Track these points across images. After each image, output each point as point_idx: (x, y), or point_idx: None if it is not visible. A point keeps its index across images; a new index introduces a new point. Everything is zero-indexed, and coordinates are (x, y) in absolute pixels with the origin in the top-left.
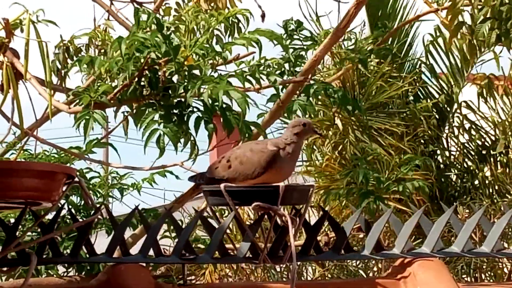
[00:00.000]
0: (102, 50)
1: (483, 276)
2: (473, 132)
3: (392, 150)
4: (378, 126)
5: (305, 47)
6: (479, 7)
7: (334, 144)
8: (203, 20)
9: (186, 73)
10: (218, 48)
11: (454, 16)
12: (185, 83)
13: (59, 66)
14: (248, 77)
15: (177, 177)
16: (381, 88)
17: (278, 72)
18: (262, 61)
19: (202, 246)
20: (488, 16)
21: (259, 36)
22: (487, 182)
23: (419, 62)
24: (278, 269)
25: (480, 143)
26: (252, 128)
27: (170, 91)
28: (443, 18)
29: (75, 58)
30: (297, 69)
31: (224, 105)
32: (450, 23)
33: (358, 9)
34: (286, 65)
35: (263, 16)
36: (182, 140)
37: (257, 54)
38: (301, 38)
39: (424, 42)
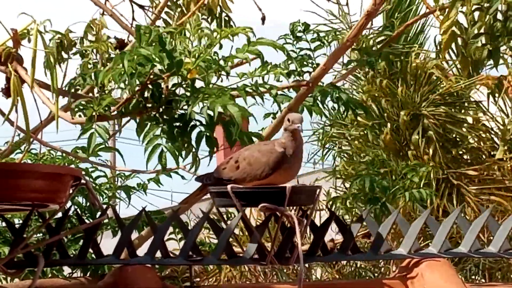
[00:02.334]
0: (96, 44)
1: (492, 277)
2: (482, 134)
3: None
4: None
5: (312, 48)
6: (472, 21)
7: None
8: (206, 35)
9: (189, 86)
10: (221, 62)
11: (447, 28)
12: (188, 97)
13: (52, 60)
14: (250, 90)
15: (182, 177)
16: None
17: (286, 71)
18: (264, 72)
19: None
20: (481, 31)
21: (261, 46)
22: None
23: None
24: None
25: (489, 144)
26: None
27: (173, 104)
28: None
29: (70, 52)
30: (304, 69)
31: (226, 118)
32: (444, 34)
33: (368, 20)
34: (292, 66)
35: (263, 19)
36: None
37: (260, 63)
38: (309, 40)
39: (436, 41)
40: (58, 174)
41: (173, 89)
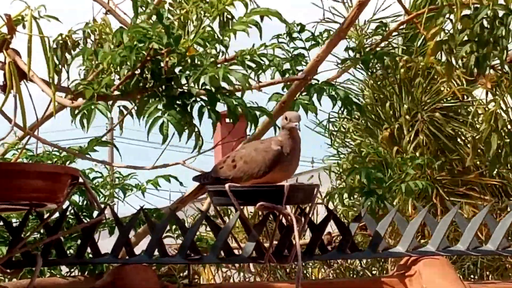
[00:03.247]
0: (99, 45)
1: (490, 276)
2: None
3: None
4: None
5: (307, 47)
6: (459, 27)
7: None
8: (204, 8)
9: (188, 63)
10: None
11: (433, 35)
12: (187, 73)
13: (57, 62)
14: (249, 62)
15: (181, 183)
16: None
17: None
18: (262, 48)
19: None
20: (468, 38)
21: (256, 16)
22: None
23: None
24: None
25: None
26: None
27: (173, 82)
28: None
29: (73, 53)
30: (299, 67)
31: (227, 93)
32: (429, 40)
33: (360, 10)
34: (287, 65)
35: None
36: (186, 133)
37: (258, 37)
38: (304, 39)
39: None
40: (56, 174)
41: (172, 68)
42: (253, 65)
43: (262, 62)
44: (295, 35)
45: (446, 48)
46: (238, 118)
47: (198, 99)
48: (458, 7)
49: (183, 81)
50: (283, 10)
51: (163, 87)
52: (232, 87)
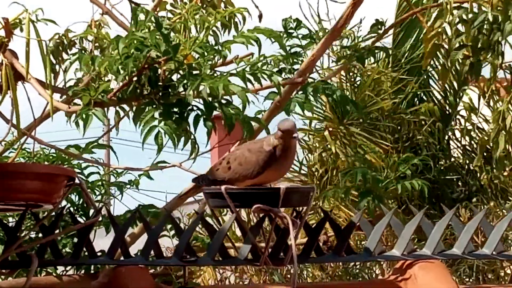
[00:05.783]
0: (96, 44)
1: (486, 279)
2: (473, 135)
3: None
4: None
5: (303, 45)
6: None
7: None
8: (202, 18)
9: (186, 71)
10: (217, 46)
11: (431, 38)
12: (185, 81)
13: (54, 61)
14: (249, 76)
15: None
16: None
17: (276, 70)
18: (261, 58)
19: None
20: (465, 43)
21: (258, 34)
22: (492, 185)
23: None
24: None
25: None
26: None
27: (170, 90)
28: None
29: (69, 52)
30: (295, 67)
31: (224, 101)
32: (426, 43)
33: (354, 9)
34: (284, 64)
35: (260, 16)
36: (182, 140)
37: (256, 53)
38: (300, 37)
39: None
40: (52, 175)
41: (170, 75)
42: (252, 78)
43: (261, 77)
44: (291, 31)
45: (444, 52)
46: (233, 127)
47: (194, 108)
48: (448, 10)
49: (180, 89)
50: (277, 6)
51: (160, 94)
52: (230, 94)
